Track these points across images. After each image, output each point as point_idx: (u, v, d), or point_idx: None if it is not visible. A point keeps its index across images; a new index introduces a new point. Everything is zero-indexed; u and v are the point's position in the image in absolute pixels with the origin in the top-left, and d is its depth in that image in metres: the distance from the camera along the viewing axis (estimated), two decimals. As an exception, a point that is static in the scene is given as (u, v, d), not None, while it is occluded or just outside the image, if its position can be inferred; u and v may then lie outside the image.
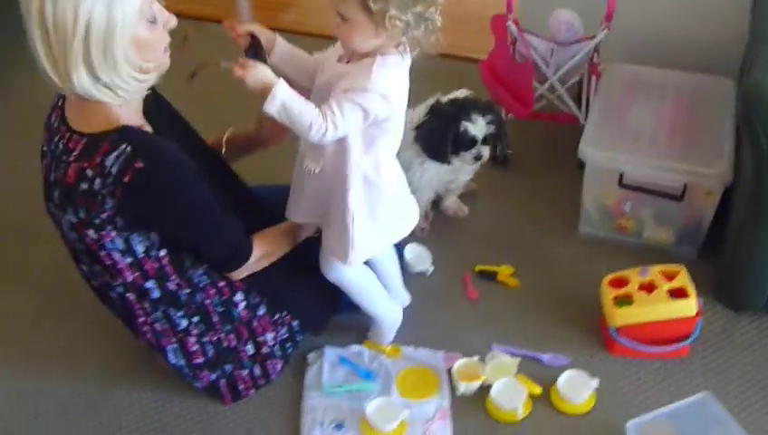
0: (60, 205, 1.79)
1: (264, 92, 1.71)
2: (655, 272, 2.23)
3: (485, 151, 2.41)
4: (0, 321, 2.39)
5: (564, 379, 2.15)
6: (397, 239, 2.10)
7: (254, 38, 1.85)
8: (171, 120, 2.04)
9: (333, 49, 1.87)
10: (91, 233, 1.79)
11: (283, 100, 1.72)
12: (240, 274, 1.98)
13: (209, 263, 1.95)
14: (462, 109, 2.37)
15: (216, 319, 2.02)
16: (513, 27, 2.60)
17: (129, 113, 1.77)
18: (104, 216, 1.75)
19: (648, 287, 2.20)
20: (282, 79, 1.73)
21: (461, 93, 2.48)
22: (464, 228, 2.65)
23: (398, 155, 1.98)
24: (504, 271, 2.47)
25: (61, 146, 1.77)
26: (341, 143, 1.83)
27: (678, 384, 2.16)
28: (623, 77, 2.68)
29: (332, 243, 1.99)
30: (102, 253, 1.83)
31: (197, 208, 1.82)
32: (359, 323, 2.29)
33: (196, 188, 1.80)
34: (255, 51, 1.82)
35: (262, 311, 2.08)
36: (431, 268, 2.48)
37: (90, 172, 1.71)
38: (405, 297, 2.33)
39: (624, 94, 2.63)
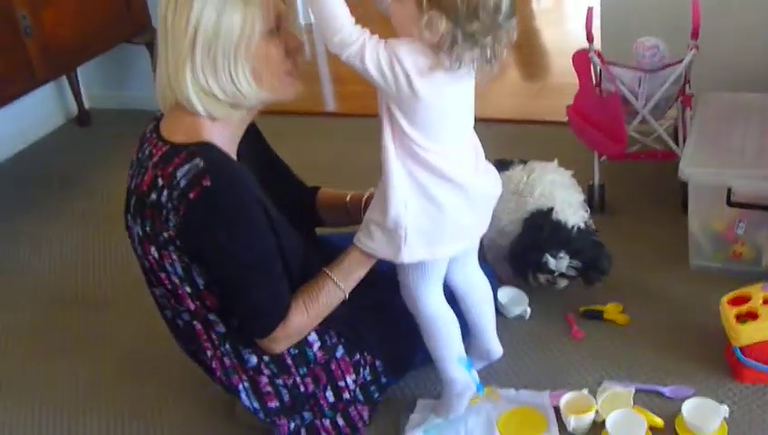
0: (133, 214, 1.74)
1: None
2: (780, 284, 2.01)
3: (561, 283, 2.28)
4: (83, 386, 2.33)
5: (689, 408, 1.91)
6: (456, 248, 1.86)
7: None
8: (268, 161, 2.00)
9: None
10: (153, 251, 1.72)
11: None
12: (275, 344, 1.80)
13: (238, 320, 1.81)
14: (553, 239, 2.21)
15: (289, 361, 1.88)
16: (595, 58, 2.52)
17: (221, 137, 1.72)
18: (166, 235, 1.68)
19: (774, 300, 1.98)
20: None
21: (572, 205, 2.28)
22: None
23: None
24: (612, 308, 2.28)
25: (147, 152, 1.74)
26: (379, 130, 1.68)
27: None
28: (719, 104, 2.57)
29: (384, 241, 1.78)
30: (162, 274, 1.75)
31: (250, 248, 1.69)
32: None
33: (257, 224, 1.70)
34: None
35: (340, 352, 1.93)
36: (529, 311, 2.31)
37: (161, 181, 1.66)
38: (497, 348, 2.08)
39: (722, 120, 2.50)
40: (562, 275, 2.24)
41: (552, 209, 2.23)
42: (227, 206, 1.65)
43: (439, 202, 1.73)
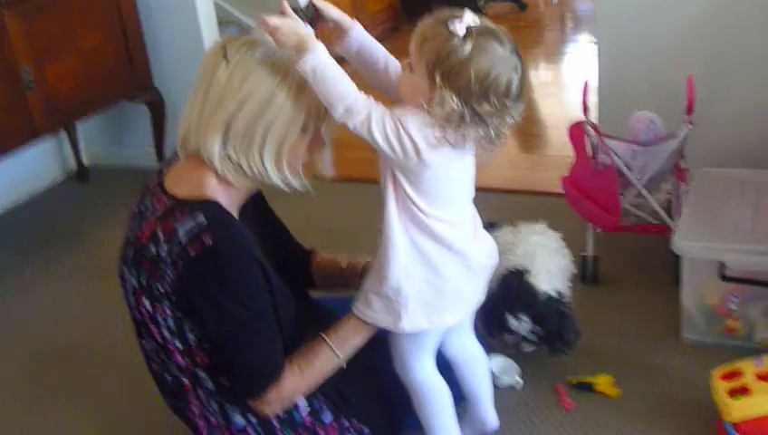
0: (129, 266, 1.73)
1: (298, 49, 1.57)
2: (772, 360, 1.99)
3: (526, 347, 2.26)
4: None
5: (679, 484, 1.88)
6: (456, 317, 1.85)
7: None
8: (267, 220, 2.00)
9: None
10: (147, 304, 1.71)
11: (324, 60, 1.56)
12: (267, 406, 1.77)
13: (230, 379, 1.77)
14: (519, 301, 2.19)
15: (276, 424, 1.83)
16: (591, 131, 2.54)
17: (225, 196, 1.71)
18: (161, 289, 1.67)
19: (766, 376, 1.95)
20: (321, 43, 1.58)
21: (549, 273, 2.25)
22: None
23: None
24: (603, 380, 2.24)
25: (149, 205, 1.74)
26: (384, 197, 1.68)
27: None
28: (713, 179, 2.56)
29: (384, 310, 1.77)
30: (153, 327, 1.74)
31: (246, 307, 1.67)
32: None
33: (254, 285, 1.68)
34: (308, 15, 1.68)
35: (328, 417, 1.88)
36: (521, 381, 2.28)
37: (161, 235, 1.65)
38: (493, 419, 2.05)
39: (717, 195, 2.49)
40: (526, 339, 2.22)
41: (527, 272, 2.21)
42: (226, 265, 1.63)
43: (441, 271, 1.73)
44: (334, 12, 1.75)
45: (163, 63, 3.67)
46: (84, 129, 3.96)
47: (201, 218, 1.63)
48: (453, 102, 1.55)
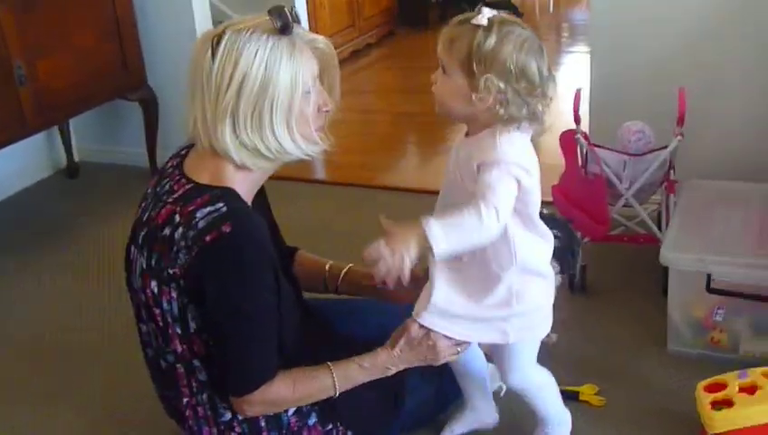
0: (141, 245, 1.73)
1: (415, 247, 1.59)
2: (756, 373, 2.00)
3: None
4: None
5: (661, 494, 1.88)
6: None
7: None
8: (265, 213, 1.99)
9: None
10: (153, 285, 1.70)
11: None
12: (248, 407, 1.76)
13: (221, 372, 1.77)
14: None
15: (262, 423, 1.84)
16: (582, 140, 2.54)
17: (242, 185, 1.72)
18: (171, 272, 1.67)
19: (750, 389, 1.97)
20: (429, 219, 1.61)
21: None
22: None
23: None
24: (587, 390, 2.25)
25: (167, 187, 1.74)
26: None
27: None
28: (703, 192, 2.57)
29: (485, 327, 1.82)
30: (157, 310, 1.73)
31: (252, 301, 1.67)
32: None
33: (264, 280, 1.68)
34: None
35: (313, 419, 1.89)
36: (504, 386, 2.27)
37: (177, 218, 1.66)
38: (494, 415, 2.13)
39: (705, 206, 2.50)
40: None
41: None
42: (241, 256, 1.64)
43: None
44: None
45: (157, 62, 3.66)
46: (76, 124, 3.95)
47: (221, 206, 1.64)
48: (494, 85, 1.61)
